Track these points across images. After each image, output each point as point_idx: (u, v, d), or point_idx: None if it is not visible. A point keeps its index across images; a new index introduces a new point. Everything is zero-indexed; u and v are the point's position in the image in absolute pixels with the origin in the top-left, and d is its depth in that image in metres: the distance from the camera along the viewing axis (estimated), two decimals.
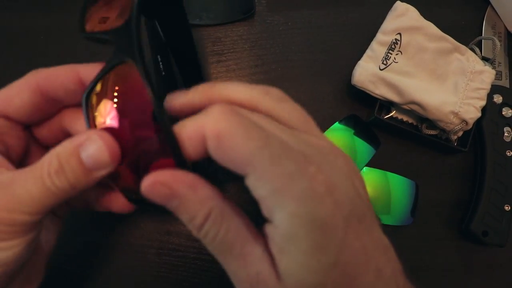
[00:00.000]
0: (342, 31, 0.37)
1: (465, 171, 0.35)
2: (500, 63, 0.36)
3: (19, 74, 0.36)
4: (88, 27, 0.21)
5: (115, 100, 0.17)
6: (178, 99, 0.18)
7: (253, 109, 0.18)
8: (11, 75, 0.35)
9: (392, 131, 0.35)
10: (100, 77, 0.18)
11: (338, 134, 0.33)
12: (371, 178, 0.33)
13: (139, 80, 0.16)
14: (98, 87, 0.18)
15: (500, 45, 0.36)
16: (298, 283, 0.15)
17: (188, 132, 0.16)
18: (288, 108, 0.19)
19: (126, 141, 0.17)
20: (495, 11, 0.38)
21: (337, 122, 0.34)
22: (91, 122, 0.18)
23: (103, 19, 0.20)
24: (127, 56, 0.17)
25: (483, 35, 0.37)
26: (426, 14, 0.33)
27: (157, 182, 0.16)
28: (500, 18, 0.37)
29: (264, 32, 0.37)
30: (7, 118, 0.20)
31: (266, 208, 0.16)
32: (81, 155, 0.17)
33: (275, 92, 0.19)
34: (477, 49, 0.34)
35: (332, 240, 0.15)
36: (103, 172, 0.18)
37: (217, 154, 0.16)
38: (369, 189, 0.32)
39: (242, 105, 0.18)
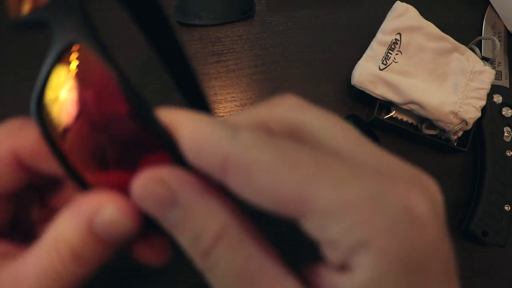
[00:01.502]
0: (342, 31, 0.37)
1: (465, 171, 0.35)
2: (500, 63, 0.36)
3: (19, 74, 0.36)
4: (12, 13, 0.15)
5: (77, 99, 0.13)
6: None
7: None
8: (11, 75, 0.35)
9: (392, 131, 0.35)
10: (46, 75, 0.14)
11: None
12: None
13: (101, 64, 0.12)
14: (50, 90, 0.13)
15: (500, 45, 0.36)
16: None
17: (192, 138, 0.11)
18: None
19: (104, 146, 0.13)
20: (495, 11, 0.38)
21: None
22: (57, 139, 0.13)
23: None
24: (77, 36, 0.12)
25: (483, 35, 0.37)
26: (426, 14, 0.33)
27: (155, 179, 0.11)
28: (500, 18, 0.37)
29: (263, 32, 0.37)
30: None
31: (336, 250, 0.11)
32: (96, 230, 0.13)
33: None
34: (477, 49, 0.34)
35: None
36: (125, 235, 0.13)
37: (243, 191, 0.11)
38: None
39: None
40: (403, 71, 0.32)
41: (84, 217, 0.13)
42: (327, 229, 0.11)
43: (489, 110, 0.34)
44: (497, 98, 0.34)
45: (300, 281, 0.12)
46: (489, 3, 0.38)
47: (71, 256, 0.13)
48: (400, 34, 0.32)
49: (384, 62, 0.32)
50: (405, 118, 0.34)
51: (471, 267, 0.33)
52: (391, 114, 0.34)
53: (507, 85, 0.35)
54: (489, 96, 0.33)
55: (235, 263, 0.11)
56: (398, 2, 0.33)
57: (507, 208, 0.32)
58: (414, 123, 0.34)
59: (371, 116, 0.33)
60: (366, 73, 0.32)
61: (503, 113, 0.34)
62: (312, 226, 0.11)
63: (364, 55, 0.33)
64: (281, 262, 0.12)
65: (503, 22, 0.37)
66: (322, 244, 0.11)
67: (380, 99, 0.32)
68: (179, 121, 0.12)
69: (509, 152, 0.33)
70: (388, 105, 0.34)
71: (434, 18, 0.33)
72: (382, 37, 0.32)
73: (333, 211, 0.10)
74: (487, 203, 0.32)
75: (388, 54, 0.32)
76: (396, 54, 0.32)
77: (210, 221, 0.11)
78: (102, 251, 0.13)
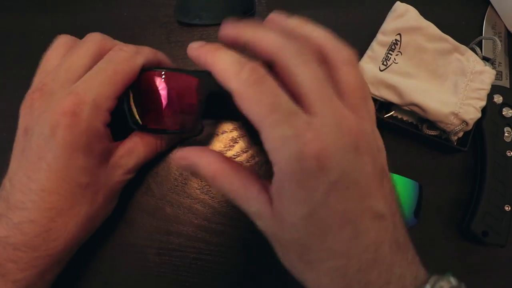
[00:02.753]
0: (342, 31, 0.37)
1: (465, 171, 0.35)
2: (501, 63, 0.36)
3: (19, 74, 0.37)
4: None
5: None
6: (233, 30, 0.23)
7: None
8: (11, 75, 0.35)
9: (392, 131, 0.35)
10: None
11: None
12: None
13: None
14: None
15: (501, 45, 0.36)
16: (281, 222, 0.20)
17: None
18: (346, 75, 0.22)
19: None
20: (495, 11, 0.38)
21: None
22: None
23: None
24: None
25: (483, 35, 0.37)
26: (426, 14, 0.33)
27: (180, 157, 0.23)
28: (500, 18, 0.37)
29: None
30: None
31: (270, 160, 0.20)
32: None
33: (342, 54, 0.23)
34: (477, 49, 0.34)
35: (310, 198, 0.19)
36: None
37: (239, 106, 0.20)
38: None
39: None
40: (403, 71, 0.32)
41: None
42: (264, 144, 0.19)
43: (490, 110, 0.34)
44: (498, 98, 0.34)
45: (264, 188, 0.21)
46: (489, 3, 0.38)
47: (164, 145, 0.31)
48: (400, 34, 0.32)
49: (384, 63, 0.32)
50: (405, 118, 0.34)
51: (471, 267, 0.33)
52: (391, 114, 0.34)
53: (508, 85, 0.35)
54: (490, 97, 0.33)
55: (224, 186, 0.22)
56: (398, 3, 0.33)
57: (507, 208, 0.32)
58: (414, 123, 0.34)
59: None
60: (366, 75, 0.32)
61: (503, 113, 0.34)
62: (261, 138, 0.19)
63: (364, 56, 0.33)
64: (255, 178, 0.22)
65: (503, 22, 0.37)
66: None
67: (380, 100, 0.32)
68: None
69: (509, 152, 0.33)
70: (388, 104, 0.34)
71: (434, 18, 0.33)
72: (382, 37, 0.32)
73: (266, 138, 0.19)
74: (487, 203, 0.32)
75: (388, 55, 0.32)
76: (396, 55, 0.32)
77: (208, 169, 0.22)
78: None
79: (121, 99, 0.27)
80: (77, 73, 0.26)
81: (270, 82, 0.19)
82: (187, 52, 0.23)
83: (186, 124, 0.29)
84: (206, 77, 0.25)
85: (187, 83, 0.27)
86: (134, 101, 0.28)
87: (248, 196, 0.21)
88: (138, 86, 0.27)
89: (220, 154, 0.23)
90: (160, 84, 0.27)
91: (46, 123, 0.24)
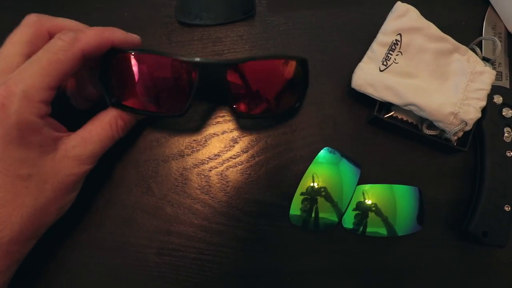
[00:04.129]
0: (343, 31, 0.37)
1: (465, 171, 0.35)
2: (501, 63, 0.36)
3: None
4: None
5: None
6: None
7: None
8: None
9: (392, 131, 0.35)
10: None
11: (323, 168, 0.33)
12: (376, 194, 0.33)
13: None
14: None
15: (501, 45, 0.36)
16: None
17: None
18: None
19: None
20: (495, 11, 0.38)
21: (316, 158, 0.33)
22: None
23: None
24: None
25: (483, 35, 0.37)
26: (427, 14, 0.33)
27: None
28: (500, 19, 0.37)
29: (264, 32, 0.37)
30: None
31: None
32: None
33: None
34: (477, 50, 0.34)
35: None
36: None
37: None
38: (376, 203, 0.33)
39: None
40: (404, 72, 0.32)
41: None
42: None
43: (489, 110, 0.34)
44: (498, 99, 0.34)
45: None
46: (489, 3, 0.38)
47: (123, 127, 0.29)
48: (400, 34, 0.32)
49: (384, 63, 0.32)
50: (405, 118, 0.34)
51: (471, 267, 0.33)
52: (391, 114, 0.34)
53: (508, 86, 0.35)
54: (490, 97, 0.33)
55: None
56: (398, 3, 0.33)
57: (507, 208, 0.32)
58: (414, 123, 0.34)
59: (371, 115, 0.33)
60: (366, 76, 0.32)
61: (503, 113, 0.34)
62: None
63: (364, 57, 0.33)
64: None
65: (503, 23, 0.37)
66: None
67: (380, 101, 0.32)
68: None
69: (509, 153, 0.33)
70: (388, 104, 0.34)
71: (435, 18, 0.33)
72: (383, 37, 0.32)
73: None
74: (487, 203, 0.32)
75: (389, 55, 0.32)
76: (397, 55, 0.32)
77: None
78: (134, 123, 0.31)
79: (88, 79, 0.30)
80: (12, 63, 0.25)
81: None
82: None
83: (163, 105, 0.30)
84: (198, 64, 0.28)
85: (160, 63, 0.28)
86: (108, 80, 0.28)
87: None
88: (111, 66, 0.28)
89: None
90: (134, 65, 0.28)
91: None
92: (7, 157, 0.24)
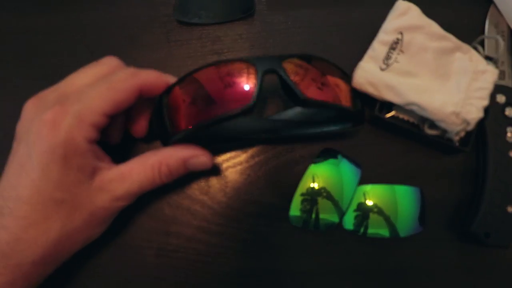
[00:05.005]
0: (343, 30, 0.37)
1: (467, 171, 0.35)
2: (503, 62, 0.36)
3: (19, 74, 0.37)
4: None
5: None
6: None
7: None
8: (10, 75, 0.35)
9: (393, 130, 0.34)
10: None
11: (324, 168, 0.33)
12: (376, 194, 0.33)
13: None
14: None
15: (504, 44, 0.35)
16: None
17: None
18: None
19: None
20: (498, 9, 0.37)
21: (316, 159, 0.33)
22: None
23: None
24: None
25: (486, 34, 0.36)
26: (429, 12, 0.33)
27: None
28: (503, 17, 0.37)
29: (263, 31, 0.37)
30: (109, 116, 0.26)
31: None
32: (187, 165, 0.28)
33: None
34: (480, 48, 0.34)
35: None
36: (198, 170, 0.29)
37: None
38: (377, 204, 0.33)
39: None
40: (405, 70, 0.32)
41: (185, 156, 0.28)
42: None
43: (492, 110, 0.33)
44: (500, 98, 0.33)
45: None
46: (492, 1, 0.37)
47: (167, 174, 0.28)
48: (401, 33, 0.32)
49: (385, 62, 0.32)
50: (406, 117, 0.34)
51: (473, 268, 0.33)
52: (392, 113, 0.34)
53: (510, 85, 0.35)
54: (492, 96, 0.33)
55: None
56: (400, 1, 0.33)
57: (509, 209, 0.32)
58: (416, 123, 0.34)
59: (372, 115, 0.33)
60: (366, 75, 0.31)
61: (506, 113, 0.33)
62: None
63: (365, 56, 0.33)
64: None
65: (506, 21, 0.37)
66: None
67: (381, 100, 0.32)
68: None
69: None
70: (389, 103, 0.33)
71: (436, 16, 0.33)
72: (384, 36, 0.32)
73: None
74: (489, 204, 0.32)
75: (390, 54, 0.32)
76: (398, 54, 0.32)
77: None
78: (183, 173, 0.29)
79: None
80: (76, 89, 0.26)
81: None
82: None
83: (228, 104, 0.26)
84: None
85: (210, 74, 0.27)
86: (161, 117, 0.28)
87: None
88: (165, 103, 0.28)
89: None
90: (184, 90, 0.27)
91: (32, 132, 0.24)
92: (46, 177, 0.24)
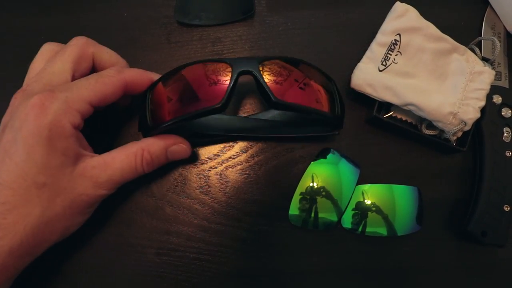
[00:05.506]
0: (342, 31, 0.37)
1: (464, 171, 0.35)
2: (500, 63, 0.36)
3: (19, 74, 0.37)
4: None
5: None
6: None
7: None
8: (10, 75, 0.35)
9: (391, 130, 0.35)
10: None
11: (323, 168, 0.33)
12: (375, 194, 0.33)
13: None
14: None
15: (500, 45, 0.36)
16: None
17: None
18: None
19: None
20: (495, 11, 0.38)
21: (315, 158, 0.33)
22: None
23: None
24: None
25: (482, 35, 0.37)
26: (426, 14, 0.33)
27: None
28: (500, 19, 0.37)
29: (263, 32, 0.37)
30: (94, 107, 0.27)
31: None
32: (168, 152, 0.29)
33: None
34: (477, 49, 0.34)
35: None
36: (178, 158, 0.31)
37: None
38: (375, 203, 0.33)
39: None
40: (403, 71, 0.32)
41: (166, 143, 0.29)
42: None
43: (489, 110, 0.34)
44: (497, 99, 0.34)
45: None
46: (488, 3, 0.38)
47: (149, 161, 0.28)
48: (399, 34, 0.32)
49: (384, 63, 0.32)
50: (404, 118, 0.34)
51: (470, 267, 0.33)
52: (390, 114, 0.34)
53: (507, 86, 0.35)
54: (489, 97, 0.33)
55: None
56: (398, 3, 0.33)
57: (506, 208, 0.32)
58: (414, 123, 0.34)
59: (371, 115, 0.33)
60: (364, 76, 0.32)
61: (502, 113, 0.34)
62: None
63: (364, 57, 0.33)
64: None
65: (502, 23, 0.37)
66: None
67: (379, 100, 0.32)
68: None
69: (509, 153, 0.33)
70: (387, 104, 0.34)
71: (434, 18, 0.33)
72: (382, 37, 0.33)
73: None
74: (486, 203, 0.32)
75: (388, 55, 0.32)
76: (396, 55, 0.32)
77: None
78: (163, 162, 0.30)
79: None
80: (60, 78, 0.27)
81: None
82: None
83: (201, 103, 0.28)
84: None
85: (192, 71, 0.29)
86: (144, 109, 0.29)
87: None
88: (148, 97, 0.29)
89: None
90: (167, 86, 0.29)
91: (18, 117, 0.24)
92: (30, 160, 0.24)
